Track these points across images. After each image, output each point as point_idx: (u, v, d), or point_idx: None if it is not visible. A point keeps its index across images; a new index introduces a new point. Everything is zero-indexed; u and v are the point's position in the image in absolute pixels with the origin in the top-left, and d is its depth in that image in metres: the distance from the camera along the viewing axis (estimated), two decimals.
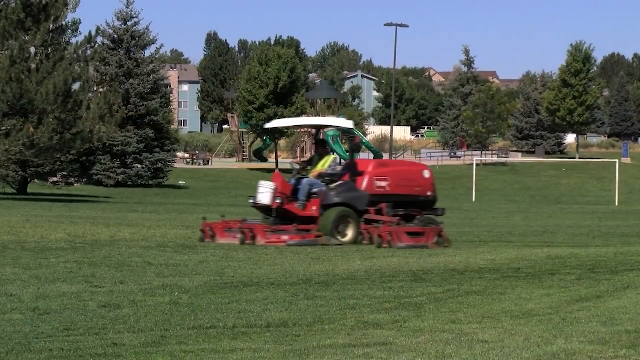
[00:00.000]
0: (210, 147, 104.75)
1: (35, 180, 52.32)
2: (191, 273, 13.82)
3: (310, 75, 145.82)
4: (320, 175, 20.52)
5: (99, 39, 60.53)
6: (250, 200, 20.49)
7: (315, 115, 75.53)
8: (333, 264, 15.54)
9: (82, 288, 11.86)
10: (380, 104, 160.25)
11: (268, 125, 26.10)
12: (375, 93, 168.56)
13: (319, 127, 23.88)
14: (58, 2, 38.59)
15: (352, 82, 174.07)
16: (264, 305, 10.65)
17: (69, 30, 47.92)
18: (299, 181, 20.49)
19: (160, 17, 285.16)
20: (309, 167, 21.08)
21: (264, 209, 20.33)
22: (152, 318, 9.66)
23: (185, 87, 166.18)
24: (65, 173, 54.81)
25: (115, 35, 66.15)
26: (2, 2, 39.39)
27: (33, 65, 38.29)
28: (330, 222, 19.80)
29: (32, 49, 39.07)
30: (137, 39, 66.43)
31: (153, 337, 8.62)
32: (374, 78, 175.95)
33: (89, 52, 40.46)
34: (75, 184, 58.40)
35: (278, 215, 20.06)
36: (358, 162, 21.60)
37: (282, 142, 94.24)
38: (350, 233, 20.03)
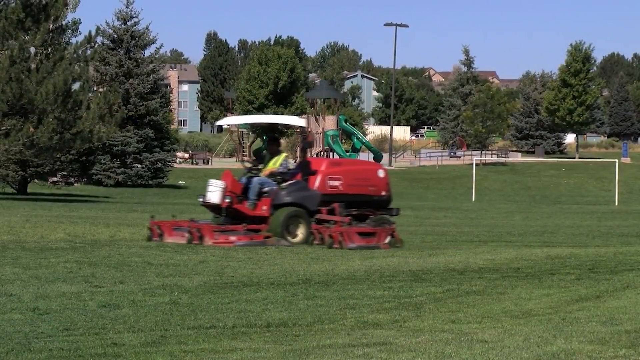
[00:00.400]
0: (210, 147, 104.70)
1: (35, 180, 52.28)
2: (191, 273, 13.83)
3: (310, 75, 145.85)
4: (272, 174, 20.07)
5: (99, 39, 60.47)
6: (200, 199, 20.09)
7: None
8: (333, 264, 15.54)
9: (82, 288, 11.86)
10: (380, 104, 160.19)
11: (220, 122, 25.71)
12: (375, 93, 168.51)
13: (273, 126, 23.63)
14: (58, 2, 38.53)
15: (352, 82, 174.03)
16: (264, 305, 10.65)
17: (69, 30, 47.96)
18: (250, 180, 20.07)
19: (160, 17, 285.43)
20: (260, 166, 20.60)
21: (214, 208, 19.91)
22: (152, 318, 9.66)
23: (185, 87, 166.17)
24: (65, 173, 54.74)
25: (115, 35, 66.09)
26: (2, 2, 39.35)
27: (33, 65, 38.24)
28: (280, 222, 19.34)
29: (32, 49, 39.01)
30: (137, 39, 66.36)
31: (153, 337, 8.63)
32: (374, 78, 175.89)
33: (89, 52, 40.39)
34: (75, 184, 58.33)
35: (228, 215, 19.60)
36: (311, 161, 21.29)
37: (282, 142, 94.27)
38: (300, 233, 19.56)
